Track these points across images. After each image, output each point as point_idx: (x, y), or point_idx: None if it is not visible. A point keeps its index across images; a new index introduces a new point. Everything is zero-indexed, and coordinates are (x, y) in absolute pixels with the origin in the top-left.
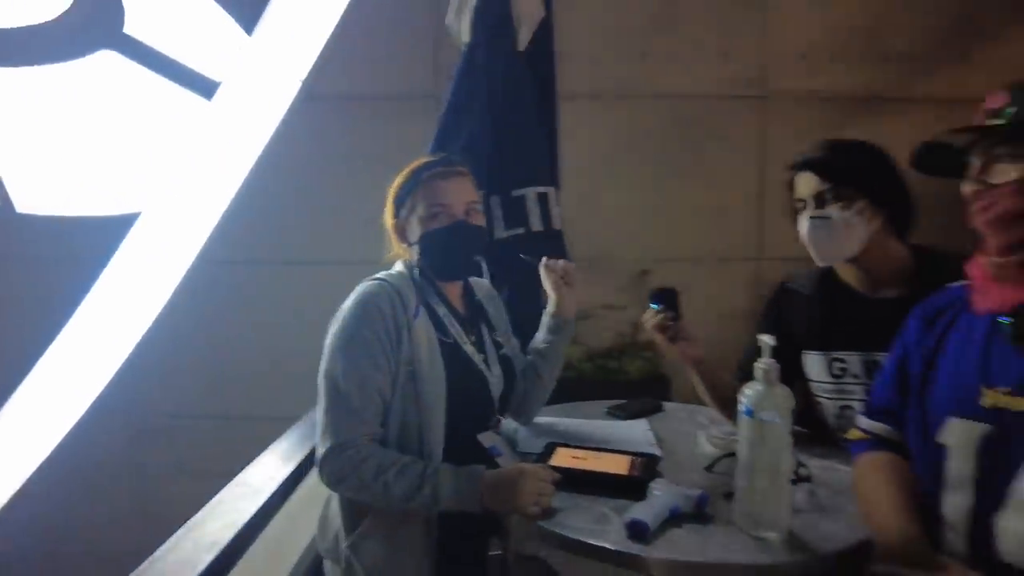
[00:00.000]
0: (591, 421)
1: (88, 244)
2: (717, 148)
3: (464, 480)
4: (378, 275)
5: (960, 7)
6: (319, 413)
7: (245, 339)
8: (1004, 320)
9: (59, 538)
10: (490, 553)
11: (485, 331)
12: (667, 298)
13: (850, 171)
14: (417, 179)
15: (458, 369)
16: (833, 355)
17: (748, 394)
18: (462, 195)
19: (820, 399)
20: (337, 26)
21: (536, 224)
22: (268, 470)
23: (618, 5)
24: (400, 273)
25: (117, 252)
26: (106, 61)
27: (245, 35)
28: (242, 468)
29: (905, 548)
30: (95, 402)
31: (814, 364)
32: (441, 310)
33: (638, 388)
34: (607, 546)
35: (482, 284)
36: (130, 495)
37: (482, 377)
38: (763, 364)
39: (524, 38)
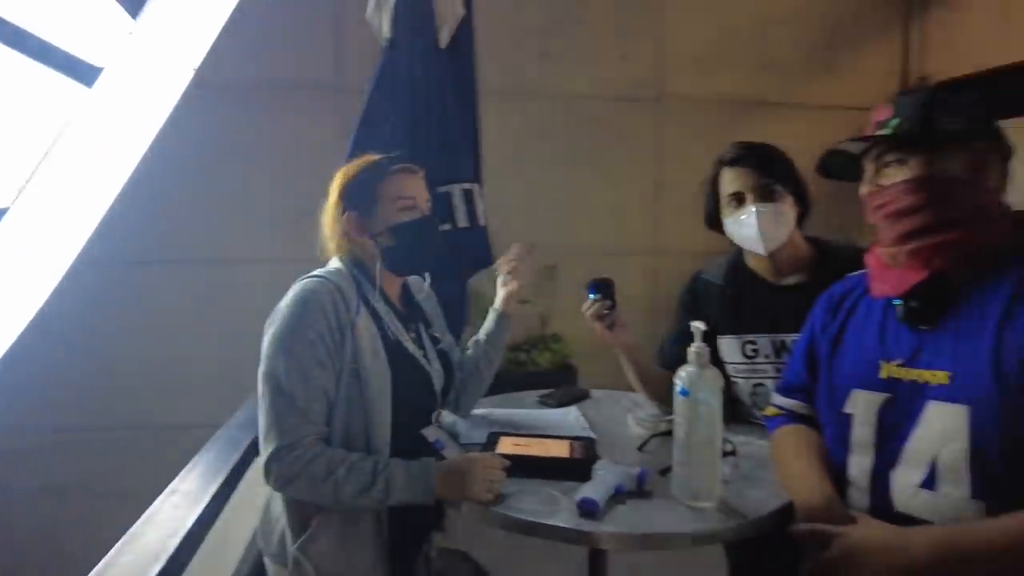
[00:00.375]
0: (524, 410)
1: None
2: (616, 148)
3: (416, 472)
4: (316, 272)
5: (831, 20)
6: (261, 415)
7: (137, 345)
8: (897, 302)
9: None
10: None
11: (422, 327)
12: (604, 288)
13: (782, 169)
14: (383, 170)
15: (401, 365)
16: (745, 338)
17: (683, 376)
18: (424, 192)
19: (736, 379)
20: (233, 11)
21: (462, 220)
22: (201, 477)
23: (519, 5)
24: (339, 270)
25: None
26: None
27: (130, 18)
28: (134, 484)
29: (822, 508)
30: None
31: (729, 347)
32: (381, 307)
33: (548, 378)
34: (560, 525)
35: (418, 282)
36: None
37: (424, 372)
38: (695, 348)
39: (445, 36)
